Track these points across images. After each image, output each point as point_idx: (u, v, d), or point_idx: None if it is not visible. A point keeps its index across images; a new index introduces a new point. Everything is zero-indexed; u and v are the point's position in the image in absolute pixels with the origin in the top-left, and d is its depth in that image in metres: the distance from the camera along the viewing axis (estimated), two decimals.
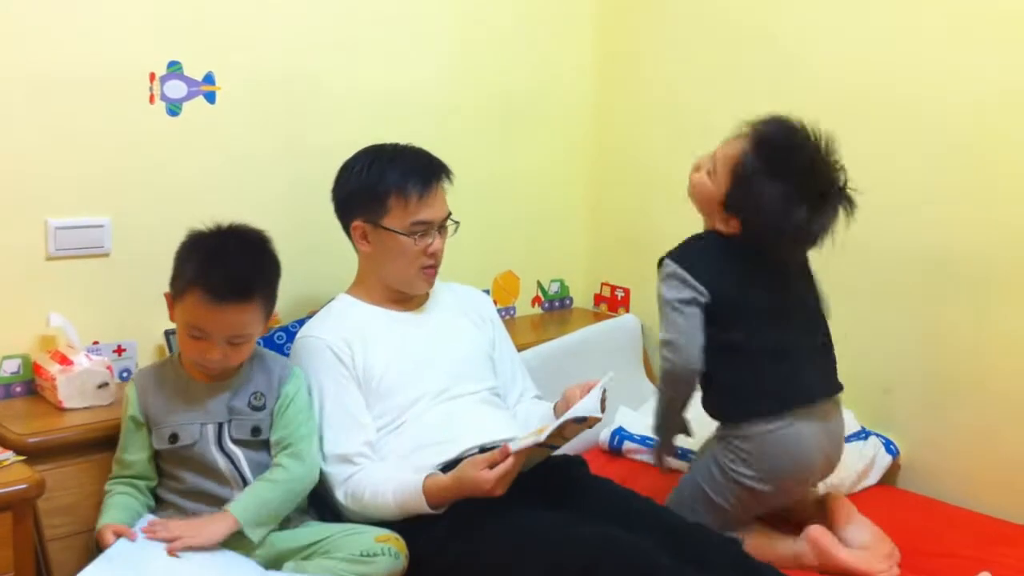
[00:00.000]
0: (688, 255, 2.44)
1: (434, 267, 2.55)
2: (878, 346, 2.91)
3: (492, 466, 2.12)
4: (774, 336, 2.41)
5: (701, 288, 2.38)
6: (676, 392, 2.42)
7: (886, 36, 2.85)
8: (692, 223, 2.67)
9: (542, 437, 2.09)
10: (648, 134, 3.44)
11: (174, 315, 2.24)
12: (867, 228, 2.84)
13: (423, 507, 2.20)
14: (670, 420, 2.48)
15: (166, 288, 2.25)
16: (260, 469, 2.25)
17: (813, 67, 2.99)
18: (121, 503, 2.17)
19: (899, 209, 2.83)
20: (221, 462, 2.22)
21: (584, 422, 2.18)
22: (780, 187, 2.32)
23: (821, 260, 2.77)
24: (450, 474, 2.19)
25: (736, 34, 3.16)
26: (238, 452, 2.24)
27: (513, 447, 2.12)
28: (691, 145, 2.94)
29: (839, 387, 2.50)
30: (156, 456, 2.24)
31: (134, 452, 2.22)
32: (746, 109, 3.04)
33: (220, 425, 2.23)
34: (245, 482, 2.23)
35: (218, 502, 2.19)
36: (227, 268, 2.18)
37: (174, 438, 2.21)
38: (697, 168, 2.48)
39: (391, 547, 2.15)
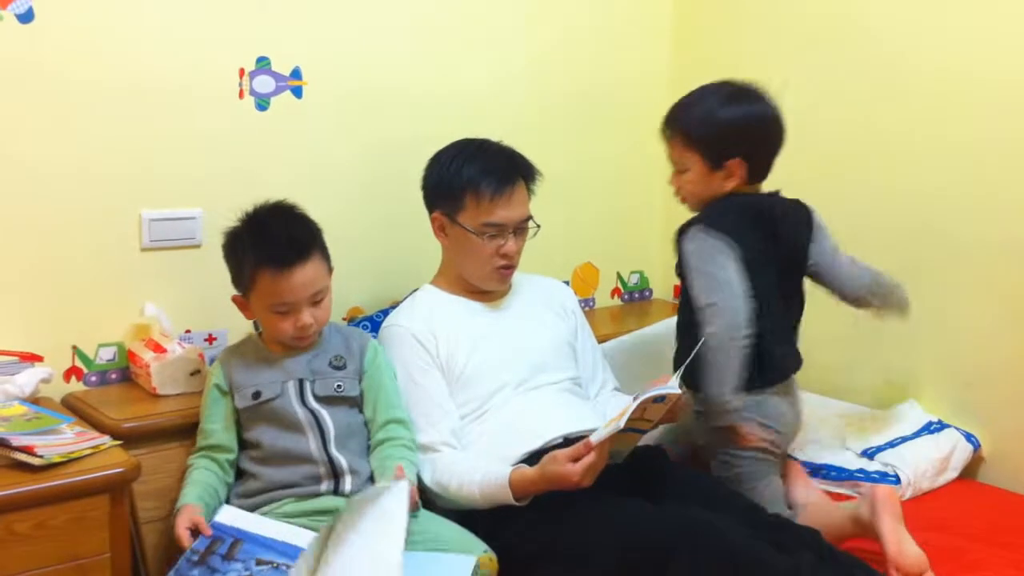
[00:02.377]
0: (718, 217, 2.39)
1: (508, 267, 2.54)
2: (960, 338, 2.87)
3: (576, 459, 2.11)
4: (777, 312, 2.39)
5: (729, 240, 2.34)
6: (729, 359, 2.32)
7: (978, 27, 2.80)
8: None
9: (622, 423, 2.07)
10: None
11: (250, 311, 2.32)
12: (952, 218, 2.83)
13: (509, 499, 2.21)
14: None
15: None
16: (346, 427, 2.30)
17: (893, 66, 2.96)
18: (201, 479, 2.22)
19: (985, 198, 2.79)
20: (302, 415, 2.27)
21: (664, 401, 2.15)
22: (727, 104, 2.37)
23: (908, 251, 2.76)
24: (535, 468, 2.19)
25: (813, 33, 3.14)
26: (321, 409, 2.29)
27: (594, 439, 2.11)
28: None
29: (801, 362, 2.50)
30: (238, 424, 2.29)
31: (216, 420, 2.28)
32: (821, 105, 3.05)
33: (301, 382, 2.29)
34: (325, 437, 2.27)
35: (299, 460, 2.24)
36: (277, 237, 2.26)
37: (257, 395, 2.27)
38: (672, 183, 2.49)
39: (485, 572, 2.13)
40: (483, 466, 2.29)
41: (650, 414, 2.18)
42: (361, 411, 2.35)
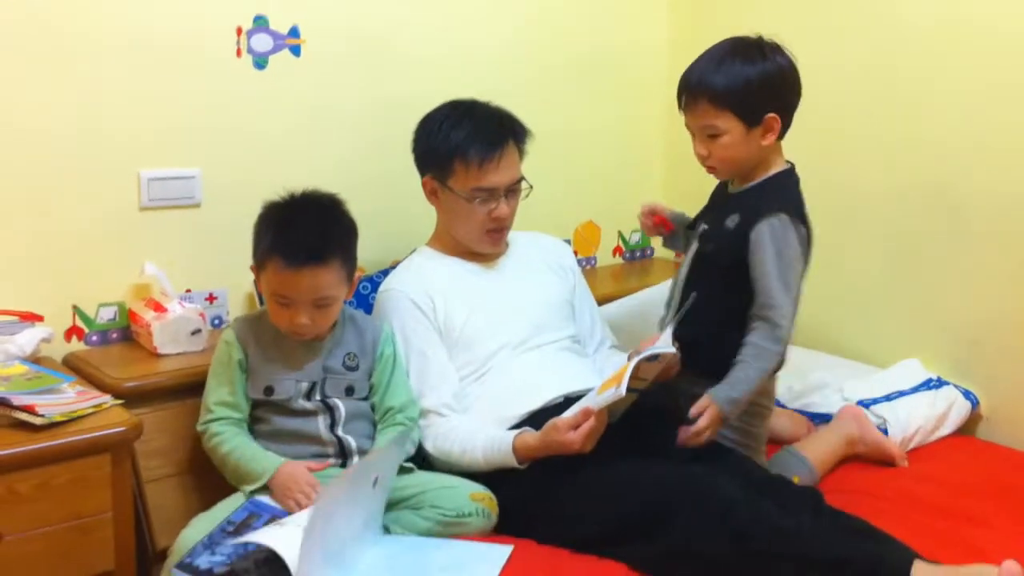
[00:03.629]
0: (801, 207, 2.33)
1: (500, 230, 2.53)
2: (964, 296, 2.87)
3: (576, 427, 2.12)
4: None
5: (807, 236, 2.33)
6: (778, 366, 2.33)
7: None
8: None
9: (623, 389, 2.06)
10: None
11: (261, 286, 2.28)
12: (954, 175, 2.82)
13: (512, 463, 2.22)
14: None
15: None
16: (355, 410, 2.29)
17: (900, 20, 2.94)
18: (252, 444, 2.21)
19: (987, 155, 2.78)
20: (312, 405, 2.26)
21: (657, 359, 2.15)
22: (753, 60, 2.29)
23: (912, 208, 2.76)
24: (537, 436, 2.20)
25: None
26: (332, 399, 2.28)
27: (593, 405, 2.12)
28: None
29: None
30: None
31: (241, 395, 2.24)
32: (824, 64, 3.03)
33: (313, 383, 2.27)
34: (334, 420, 2.26)
35: (308, 440, 2.24)
36: (300, 233, 2.20)
37: (269, 391, 2.24)
38: (700, 151, 2.34)
39: (484, 508, 2.16)
40: (485, 431, 2.30)
41: (644, 373, 2.16)
42: (367, 398, 2.34)
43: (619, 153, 3.48)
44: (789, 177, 2.38)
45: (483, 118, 2.51)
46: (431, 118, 2.54)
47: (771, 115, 2.29)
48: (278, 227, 2.22)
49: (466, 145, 2.44)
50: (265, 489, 2.14)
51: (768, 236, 2.25)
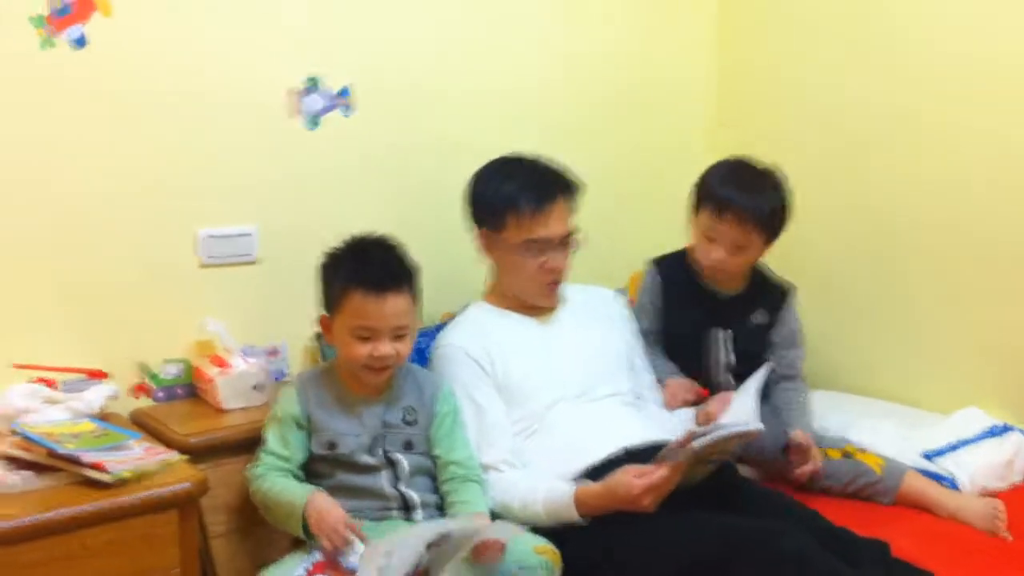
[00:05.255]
0: None
1: (555, 283, 2.54)
2: None
3: (643, 475, 2.12)
4: None
5: None
6: None
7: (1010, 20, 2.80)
8: (816, 215, 2.86)
9: (696, 445, 2.07)
10: (770, 120, 3.40)
11: (334, 334, 2.28)
12: (1015, 214, 2.79)
13: (573, 516, 2.20)
14: None
15: (311, 293, 2.33)
16: (417, 466, 2.29)
17: (937, 55, 2.95)
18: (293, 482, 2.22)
19: None
20: (375, 461, 2.26)
21: (741, 436, 2.17)
22: (783, 190, 2.67)
23: (963, 252, 2.77)
24: (600, 482, 2.19)
25: (860, 21, 3.12)
26: (395, 453, 2.28)
27: (662, 457, 2.12)
28: (811, 130, 2.96)
29: None
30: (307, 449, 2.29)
31: (295, 450, 2.25)
32: (868, 96, 3.04)
33: (375, 438, 2.28)
34: (398, 475, 2.27)
35: (371, 495, 2.24)
36: (377, 262, 2.26)
37: (332, 446, 2.25)
38: (719, 258, 2.66)
39: (547, 561, 2.13)
40: (545, 484, 2.28)
41: (730, 446, 2.19)
42: (427, 454, 2.34)
43: (672, 199, 3.48)
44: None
45: (533, 171, 2.53)
46: (483, 173, 2.57)
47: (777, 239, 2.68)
48: (353, 262, 2.27)
49: (517, 197, 2.46)
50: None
51: (796, 314, 2.79)
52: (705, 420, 2.42)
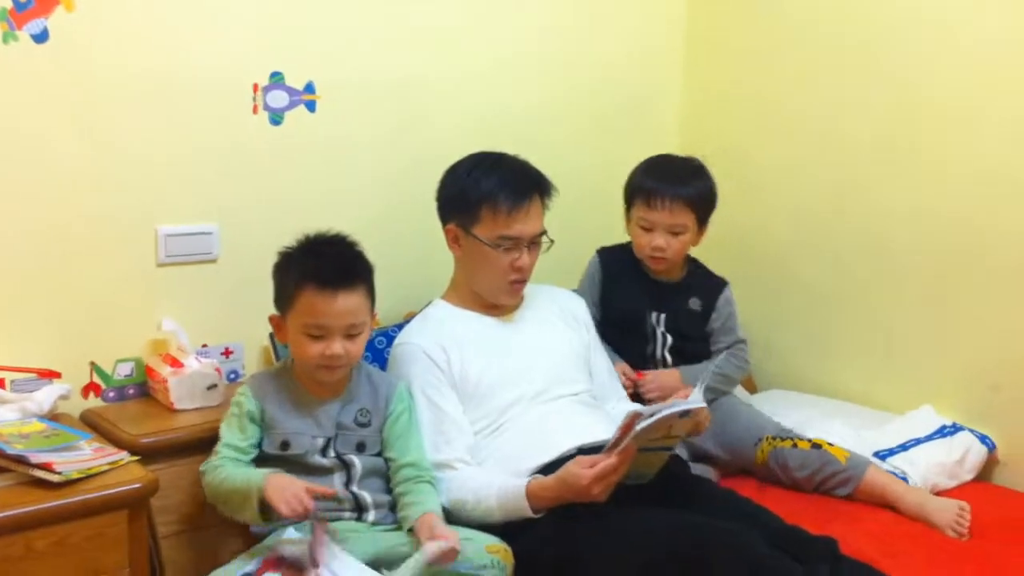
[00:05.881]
0: None
1: (521, 282, 2.54)
2: (979, 341, 2.87)
3: (593, 465, 2.12)
4: None
5: None
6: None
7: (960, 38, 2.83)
8: (777, 218, 2.96)
9: (640, 427, 2.07)
10: (736, 134, 3.45)
11: (286, 332, 2.27)
12: (973, 219, 2.84)
13: (526, 510, 2.21)
14: None
15: (271, 294, 2.31)
16: (371, 467, 2.29)
17: (897, 65, 2.98)
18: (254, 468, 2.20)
19: (1006, 199, 2.78)
20: (328, 463, 2.26)
21: (689, 415, 2.15)
22: (708, 173, 2.86)
23: (929, 254, 2.85)
24: (553, 474, 2.20)
25: (823, 37, 3.17)
26: (348, 455, 2.28)
27: (610, 444, 2.12)
28: (777, 143, 3.09)
29: None
30: (259, 456, 2.27)
31: (252, 445, 2.24)
32: (834, 108, 3.08)
33: (328, 439, 2.27)
34: (351, 476, 2.27)
35: (321, 496, 2.22)
36: (331, 260, 2.25)
37: (285, 445, 2.24)
38: (659, 245, 2.80)
39: (499, 560, 2.14)
40: (499, 479, 2.29)
41: (677, 430, 2.18)
42: (380, 454, 2.34)
43: None
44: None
45: (512, 168, 2.54)
46: (459, 166, 2.57)
47: (707, 223, 2.84)
48: (306, 260, 2.26)
49: (495, 193, 2.46)
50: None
51: (732, 304, 2.94)
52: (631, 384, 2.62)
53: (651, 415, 2.09)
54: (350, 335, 2.23)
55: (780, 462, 2.67)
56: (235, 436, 2.24)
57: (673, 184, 2.78)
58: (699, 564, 2.00)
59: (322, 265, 2.23)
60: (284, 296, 2.27)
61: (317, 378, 2.27)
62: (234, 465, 2.20)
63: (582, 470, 2.13)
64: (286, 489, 2.07)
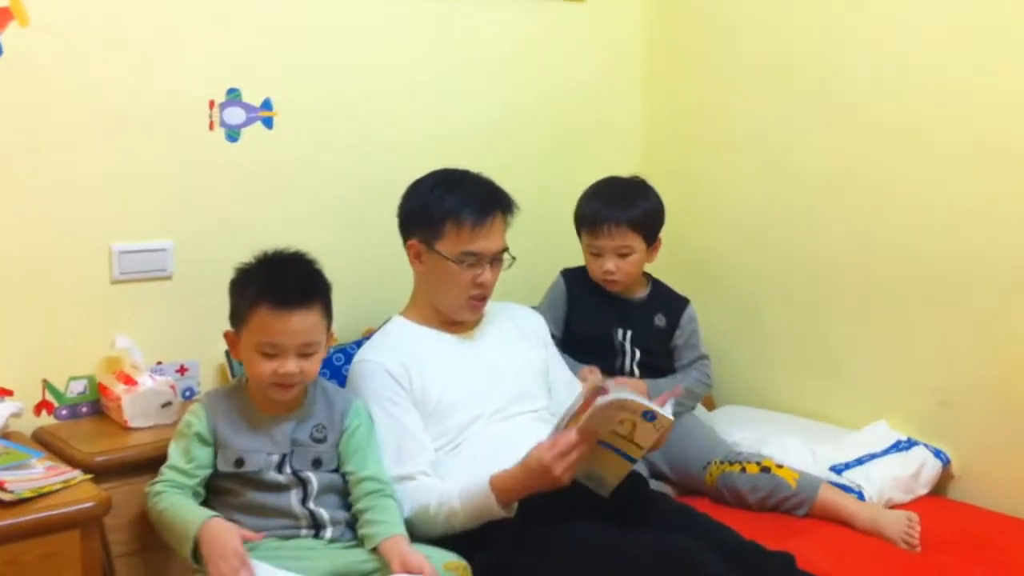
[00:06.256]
0: None
1: (482, 298, 2.55)
2: (932, 357, 2.90)
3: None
4: None
5: None
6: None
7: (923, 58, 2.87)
8: (733, 237, 3.02)
9: (600, 402, 2.09)
10: (695, 155, 3.49)
11: (240, 349, 2.26)
12: (924, 237, 2.88)
13: (492, 505, 2.20)
14: None
15: (227, 310, 2.29)
16: (328, 483, 2.28)
17: (849, 91, 3.03)
18: (189, 501, 2.17)
19: (956, 215, 2.81)
20: (284, 479, 2.24)
21: (654, 421, 2.13)
22: (653, 193, 2.96)
23: (880, 269, 2.92)
24: (516, 464, 2.20)
25: (783, 64, 3.20)
26: (304, 471, 2.26)
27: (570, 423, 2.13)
28: (733, 164, 3.20)
29: None
30: (214, 474, 2.25)
31: (198, 466, 2.21)
32: (788, 132, 3.15)
33: (284, 456, 2.25)
34: (307, 494, 2.25)
35: (279, 514, 2.22)
36: (287, 278, 2.24)
37: (239, 463, 2.22)
38: (609, 268, 2.87)
39: None
40: (461, 482, 2.28)
41: (640, 438, 2.16)
42: (337, 470, 2.32)
43: None
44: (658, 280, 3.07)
45: (476, 185, 2.55)
46: (422, 182, 2.57)
47: (659, 238, 2.93)
48: (264, 276, 2.25)
49: (459, 209, 2.47)
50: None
51: (695, 321, 3.02)
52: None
53: (611, 394, 2.10)
54: (304, 354, 2.22)
55: (729, 486, 2.69)
56: (179, 458, 2.22)
57: (615, 208, 2.86)
58: None
59: (278, 283, 2.22)
60: (239, 313, 2.25)
61: (270, 396, 2.25)
62: (176, 494, 2.17)
63: (543, 452, 2.13)
64: (214, 546, 2.05)
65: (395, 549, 2.15)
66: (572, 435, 2.12)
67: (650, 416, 2.13)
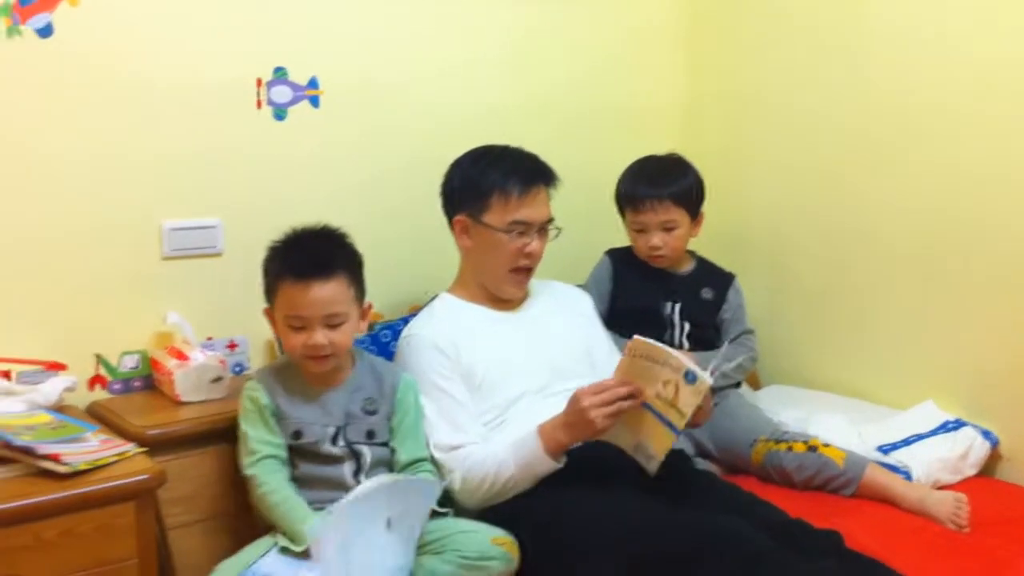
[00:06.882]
0: None
1: (528, 269, 2.57)
2: (980, 336, 2.87)
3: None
4: None
5: None
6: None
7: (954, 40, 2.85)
8: (777, 214, 3.04)
9: (639, 339, 2.13)
10: (737, 130, 3.47)
11: (276, 326, 2.31)
12: (971, 214, 2.85)
13: (540, 454, 2.23)
14: None
15: None
16: (381, 463, 2.31)
17: (890, 67, 3.00)
18: (294, 495, 2.22)
19: (1006, 193, 2.78)
20: (339, 451, 2.28)
21: (695, 382, 2.13)
22: (693, 169, 2.99)
23: (926, 249, 2.88)
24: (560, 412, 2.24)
25: (825, 43, 3.18)
26: (358, 445, 2.30)
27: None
28: (777, 139, 3.17)
29: None
30: None
31: (279, 434, 2.27)
32: (833, 112, 3.10)
33: (339, 428, 2.29)
34: (360, 466, 2.29)
35: (332, 486, 2.25)
36: (306, 251, 2.29)
37: (297, 435, 2.27)
38: (655, 243, 2.91)
39: (505, 552, 2.16)
40: (512, 435, 2.31)
41: (683, 402, 2.15)
42: (386, 444, 2.35)
43: None
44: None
45: (518, 157, 2.58)
46: (464, 159, 2.59)
47: (702, 211, 2.94)
48: (284, 253, 2.30)
49: (505, 179, 2.49)
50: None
51: (741, 295, 3.06)
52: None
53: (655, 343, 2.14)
54: (331, 325, 2.25)
55: (775, 465, 2.68)
56: (262, 430, 2.26)
57: (656, 185, 2.90)
58: (694, 557, 2.01)
59: (297, 257, 2.27)
60: (269, 289, 2.31)
61: (306, 369, 2.29)
62: (284, 485, 2.22)
63: (581, 393, 2.18)
64: None
65: None
66: (611, 379, 2.16)
67: (691, 377, 2.13)
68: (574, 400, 2.21)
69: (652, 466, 2.25)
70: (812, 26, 3.20)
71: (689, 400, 2.15)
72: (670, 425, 2.19)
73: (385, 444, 2.33)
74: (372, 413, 2.33)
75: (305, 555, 2.10)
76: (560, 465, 2.26)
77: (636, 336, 2.19)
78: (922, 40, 2.92)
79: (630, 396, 2.18)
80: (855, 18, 3.08)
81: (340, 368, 2.34)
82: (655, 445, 2.23)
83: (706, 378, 2.13)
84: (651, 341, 2.16)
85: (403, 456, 2.33)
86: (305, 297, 2.22)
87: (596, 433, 2.20)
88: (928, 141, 2.93)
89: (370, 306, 2.38)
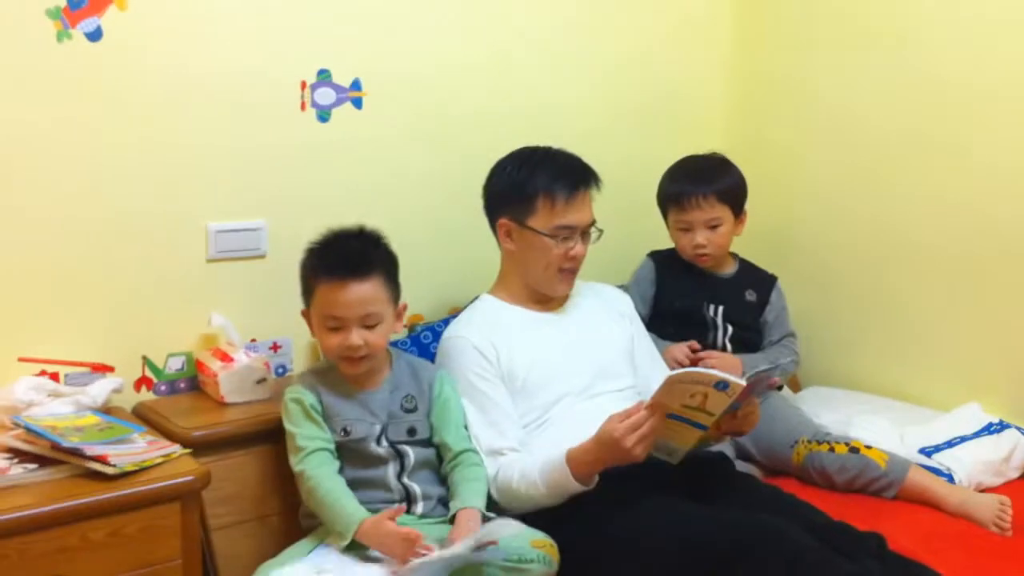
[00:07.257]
0: None
1: (573, 271, 2.56)
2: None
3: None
4: None
5: None
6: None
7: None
8: (818, 214, 3.01)
9: (670, 374, 2.10)
10: (779, 129, 3.46)
11: (313, 327, 2.33)
12: (1010, 217, 2.81)
13: (568, 479, 2.21)
14: None
15: None
16: (422, 459, 2.32)
17: (945, 67, 2.97)
18: (344, 488, 2.22)
19: None
20: (383, 452, 2.29)
21: (727, 390, 2.11)
22: (735, 168, 3.00)
23: (969, 251, 2.84)
24: (591, 437, 2.21)
25: (873, 33, 3.15)
26: (402, 445, 2.31)
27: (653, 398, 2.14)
28: (818, 139, 3.15)
29: None
30: None
31: (326, 431, 2.27)
32: (877, 105, 3.05)
33: (383, 427, 2.31)
34: (403, 467, 2.30)
35: (376, 487, 2.27)
36: (341, 252, 2.29)
37: (345, 432, 2.28)
38: (699, 241, 2.91)
39: (546, 555, 2.16)
40: (543, 455, 2.30)
41: (712, 406, 2.13)
42: (430, 443, 2.36)
43: None
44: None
45: (563, 160, 2.57)
46: (507, 161, 2.59)
47: (745, 210, 2.95)
48: (320, 255, 2.31)
49: (551, 184, 2.49)
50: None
51: (783, 298, 3.05)
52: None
53: (687, 369, 2.13)
54: (367, 325, 2.26)
55: (817, 466, 2.66)
56: (311, 426, 2.26)
57: (700, 182, 2.90)
58: (738, 556, 2.01)
59: (333, 257, 2.28)
60: (306, 291, 2.33)
61: (342, 371, 2.31)
62: (331, 476, 2.22)
63: (614, 424, 2.15)
64: (388, 544, 2.10)
65: (461, 521, 2.20)
66: (643, 411, 2.14)
67: (723, 386, 2.11)
68: (608, 432, 2.15)
69: (675, 459, 2.25)
70: (860, 22, 3.17)
71: (720, 402, 2.14)
72: (696, 424, 2.18)
73: (427, 442, 2.35)
74: (412, 411, 2.34)
75: (351, 550, 2.12)
76: (590, 486, 2.23)
77: (672, 373, 2.15)
78: (972, 40, 2.89)
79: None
80: (905, 13, 3.06)
81: (378, 369, 2.35)
82: (679, 442, 2.23)
83: (739, 381, 2.12)
84: (684, 371, 2.13)
85: (452, 444, 2.33)
86: (341, 297, 2.24)
87: (633, 460, 2.17)
88: (974, 142, 2.90)
89: (405, 307, 2.39)
